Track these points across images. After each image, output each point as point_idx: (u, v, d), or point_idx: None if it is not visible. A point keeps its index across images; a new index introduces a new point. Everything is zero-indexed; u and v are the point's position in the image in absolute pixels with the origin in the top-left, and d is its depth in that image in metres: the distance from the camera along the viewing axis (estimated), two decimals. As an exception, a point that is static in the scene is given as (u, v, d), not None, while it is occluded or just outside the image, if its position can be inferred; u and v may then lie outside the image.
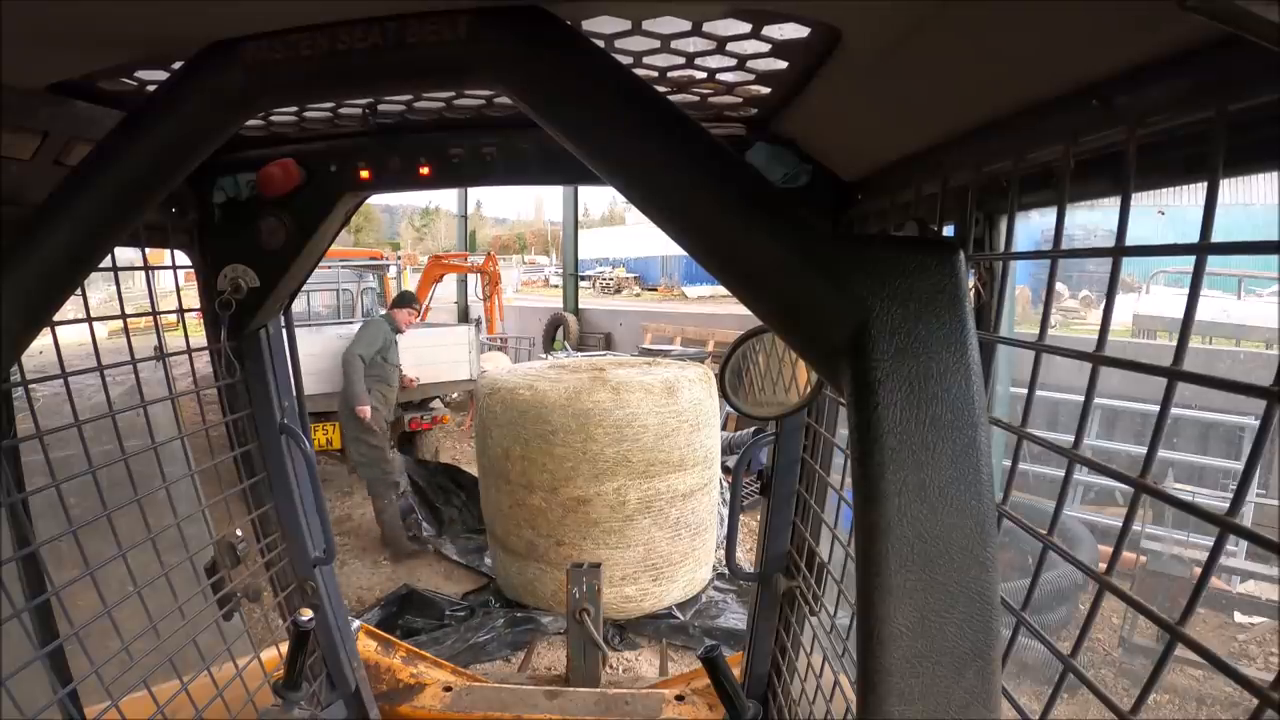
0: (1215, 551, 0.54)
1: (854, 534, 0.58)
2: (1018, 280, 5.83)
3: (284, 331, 1.60)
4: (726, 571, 4.39)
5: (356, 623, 2.18)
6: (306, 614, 1.63)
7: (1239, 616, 4.98)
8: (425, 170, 1.37)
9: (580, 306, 15.93)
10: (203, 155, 0.77)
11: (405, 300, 6.52)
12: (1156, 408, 0.57)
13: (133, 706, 1.22)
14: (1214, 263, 0.55)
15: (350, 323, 7.92)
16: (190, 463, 1.47)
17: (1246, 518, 4.69)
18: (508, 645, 4.65)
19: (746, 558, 5.15)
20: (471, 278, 14.99)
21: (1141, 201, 0.68)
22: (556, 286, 21.87)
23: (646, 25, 0.83)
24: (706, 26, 0.82)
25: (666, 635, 4.78)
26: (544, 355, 11.22)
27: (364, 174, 1.38)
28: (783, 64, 0.94)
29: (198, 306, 1.48)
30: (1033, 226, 0.98)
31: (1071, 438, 0.68)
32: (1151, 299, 8.29)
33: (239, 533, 1.51)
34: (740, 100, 1.16)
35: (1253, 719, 0.48)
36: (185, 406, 1.46)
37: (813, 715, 1.52)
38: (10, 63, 0.77)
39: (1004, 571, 0.62)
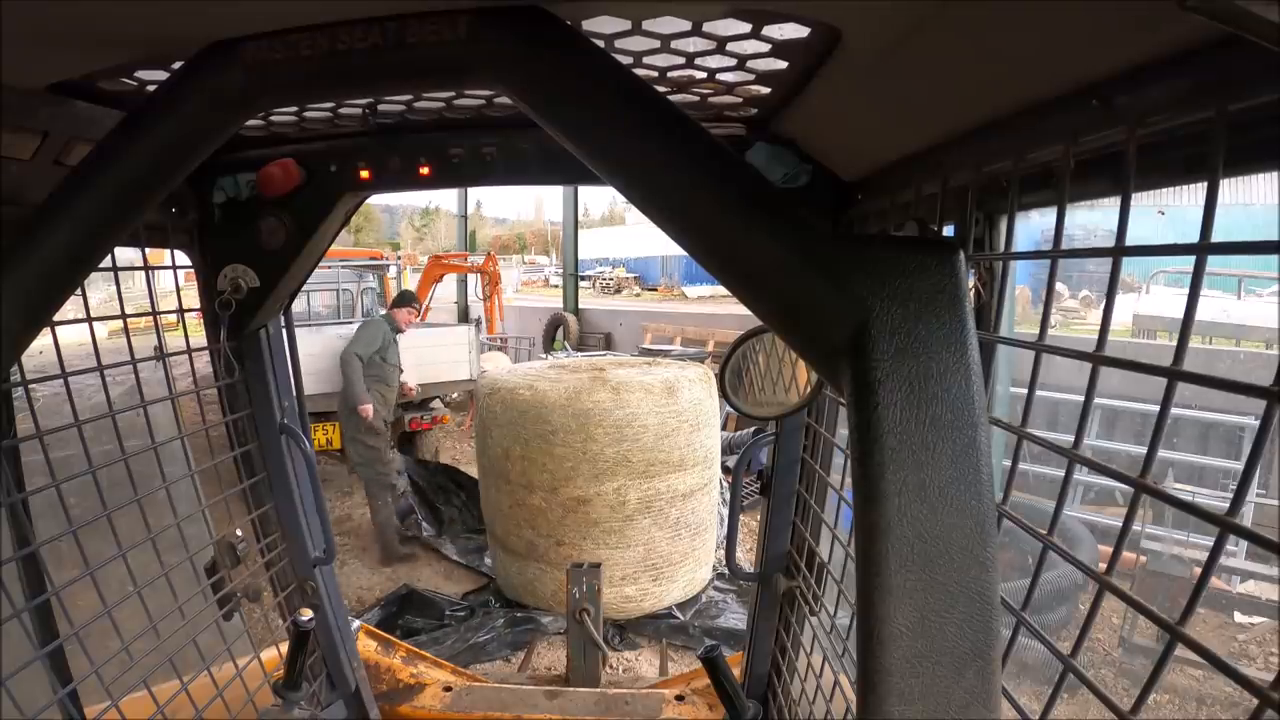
0: (1215, 551, 0.54)
1: (854, 534, 0.58)
2: (1018, 280, 5.83)
3: (284, 331, 1.60)
4: (726, 571, 4.39)
5: (356, 623, 2.18)
6: (306, 614, 1.63)
7: (1239, 616, 4.98)
8: (425, 170, 1.37)
9: (580, 306, 15.93)
10: (203, 155, 0.77)
11: (405, 300, 6.50)
12: (1156, 408, 0.57)
13: (133, 706, 1.22)
14: (1214, 263, 0.55)
15: (350, 323, 7.92)
16: (190, 463, 1.47)
17: (1246, 518, 4.69)
18: (508, 645, 4.65)
19: (746, 558, 5.15)
20: (471, 278, 14.99)
21: (1141, 201, 0.68)
22: (556, 286, 21.87)
23: (646, 25, 0.83)
24: (706, 26, 0.82)
25: (666, 635, 4.78)
26: (544, 355, 11.22)
27: (364, 174, 1.38)
28: (783, 64, 0.94)
29: (198, 306, 1.48)
30: (1033, 226, 0.98)
31: (1071, 438, 0.68)
32: (1151, 299, 8.29)
33: (239, 533, 1.51)
34: (740, 100, 1.16)
35: (1253, 719, 0.48)
36: (185, 406, 1.46)
37: (813, 715, 1.52)
38: (10, 63, 0.77)
39: (1004, 571, 0.62)
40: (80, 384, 1.17)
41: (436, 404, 8.53)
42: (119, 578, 1.20)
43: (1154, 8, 0.48)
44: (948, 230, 0.91)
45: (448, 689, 2.31)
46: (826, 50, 0.85)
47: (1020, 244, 0.81)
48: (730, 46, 0.88)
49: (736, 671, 1.81)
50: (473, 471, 6.34)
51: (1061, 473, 0.73)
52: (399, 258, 15.86)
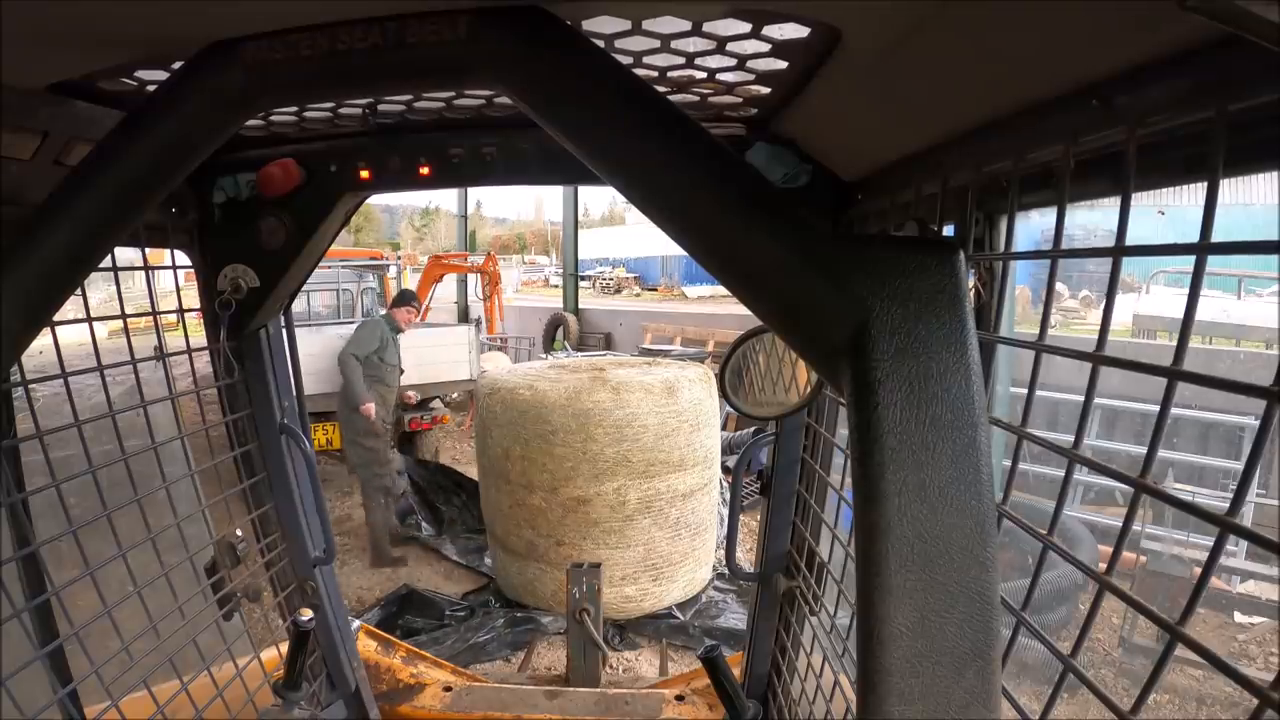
0: (1215, 551, 0.54)
1: (854, 534, 0.58)
2: (1018, 280, 5.83)
3: (284, 331, 1.60)
4: (726, 571, 4.39)
5: (356, 623, 2.17)
6: (306, 614, 1.63)
7: (1239, 616, 4.99)
8: (425, 170, 1.37)
9: (580, 306, 15.93)
10: (203, 155, 0.77)
11: (404, 299, 6.44)
12: (1156, 408, 0.57)
13: (133, 706, 1.22)
14: (1214, 263, 0.55)
15: (350, 322, 7.92)
16: (190, 463, 1.47)
17: (1246, 518, 4.69)
18: (508, 645, 4.65)
19: (746, 558, 5.15)
20: (471, 278, 14.99)
21: (1141, 201, 0.68)
22: (556, 286, 21.87)
23: (646, 25, 0.83)
24: (706, 26, 0.82)
25: (666, 635, 4.78)
26: (544, 355, 11.22)
27: (364, 174, 1.38)
28: (783, 64, 0.94)
29: (198, 306, 1.48)
30: (1033, 226, 0.98)
31: (1071, 438, 0.68)
32: (1151, 299, 8.29)
33: (239, 533, 1.51)
34: (740, 100, 1.16)
35: (1253, 719, 0.48)
36: (185, 406, 1.46)
37: (813, 715, 1.52)
38: (10, 63, 0.77)
39: (1004, 571, 0.62)
40: (80, 384, 1.16)
41: (436, 404, 8.53)
42: (119, 578, 1.20)
43: (1154, 8, 0.48)
44: (948, 230, 0.91)
45: (448, 689, 2.31)
46: (826, 50, 0.85)
47: (1020, 244, 0.81)
48: (730, 46, 0.88)
49: (736, 671, 1.81)
50: (472, 471, 6.33)
51: (1061, 473, 0.73)
52: (399, 258, 15.87)
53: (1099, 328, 0.65)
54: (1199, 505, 0.59)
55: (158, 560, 1.27)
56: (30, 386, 1.10)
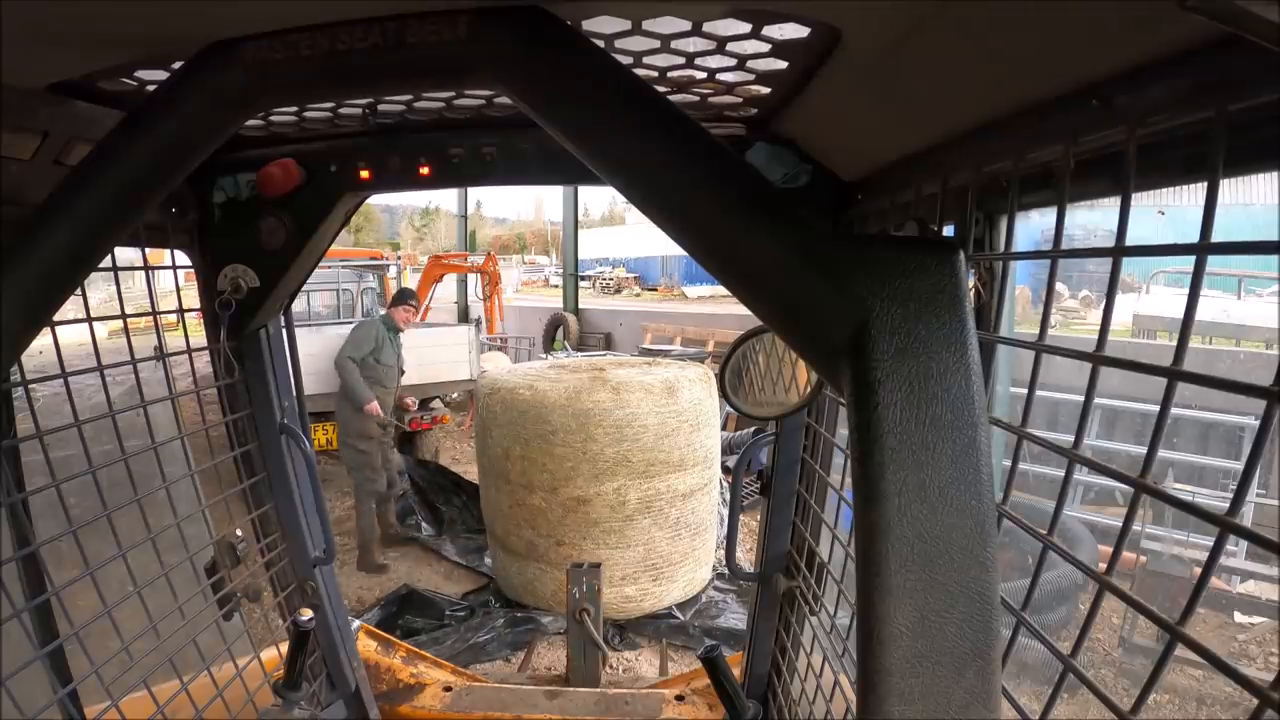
0: (1215, 551, 0.54)
1: (854, 534, 0.58)
2: (1018, 280, 5.83)
3: (284, 331, 1.60)
4: (726, 571, 4.39)
5: (356, 623, 2.18)
6: (306, 614, 1.63)
7: (1239, 616, 4.99)
8: (425, 170, 1.37)
9: (580, 306, 15.93)
10: (203, 155, 0.77)
11: (403, 297, 6.35)
12: (1156, 408, 0.57)
13: (133, 706, 1.22)
14: (1214, 263, 0.55)
15: (350, 323, 7.91)
16: (190, 463, 1.47)
17: (1246, 518, 4.69)
18: (508, 645, 4.65)
19: (746, 558, 5.15)
20: (471, 278, 14.99)
21: (1141, 201, 0.68)
22: (556, 286, 21.87)
23: (646, 25, 0.83)
24: (706, 26, 0.82)
25: (666, 635, 4.78)
26: (544, 355, 11.22)
27: (364, 174, 1.38)
28: (783, 64, 0.94)
29: (198, 306, 1.48)
30: (1033, 226, 0.98)
31: (1071, 438, 0.68)
32: (1151, 299, 8.29)
33: (239, 533, 1.51)
34: (740, 100, 1.16)
35: (1253, 719, 0.48)
36: (185, 406, 1.46)
37: (813, 715, 1.52)
38: (10, 63, 0.77)
39: (1004, 571, 0.62)
40: (80, 384, 1.16)
41: (436, 404, 8.53)
42: (119, 578, 1.20)
43: (1154, 8, 0.48)
44: (948, 230, 0.91)
45: (448, 689, 2.31)
46: (826, 50, 0.85)
47: (1020, 244, 0.81)
48: (730, 46, 0.88)
49: (736, 671, 1.81)
50: (473, 471, 6.32)
51: (1061, 473, 0.73)
52: (399, 258, 15.88)
53: (1099, 328, 0.65)
54: (1199, 505, 0.59)
55: (158, 560, 1.27)
56: (30, 386, 1.10)
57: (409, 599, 5.07)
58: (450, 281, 15.15)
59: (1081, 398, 0.66)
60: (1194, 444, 5.97)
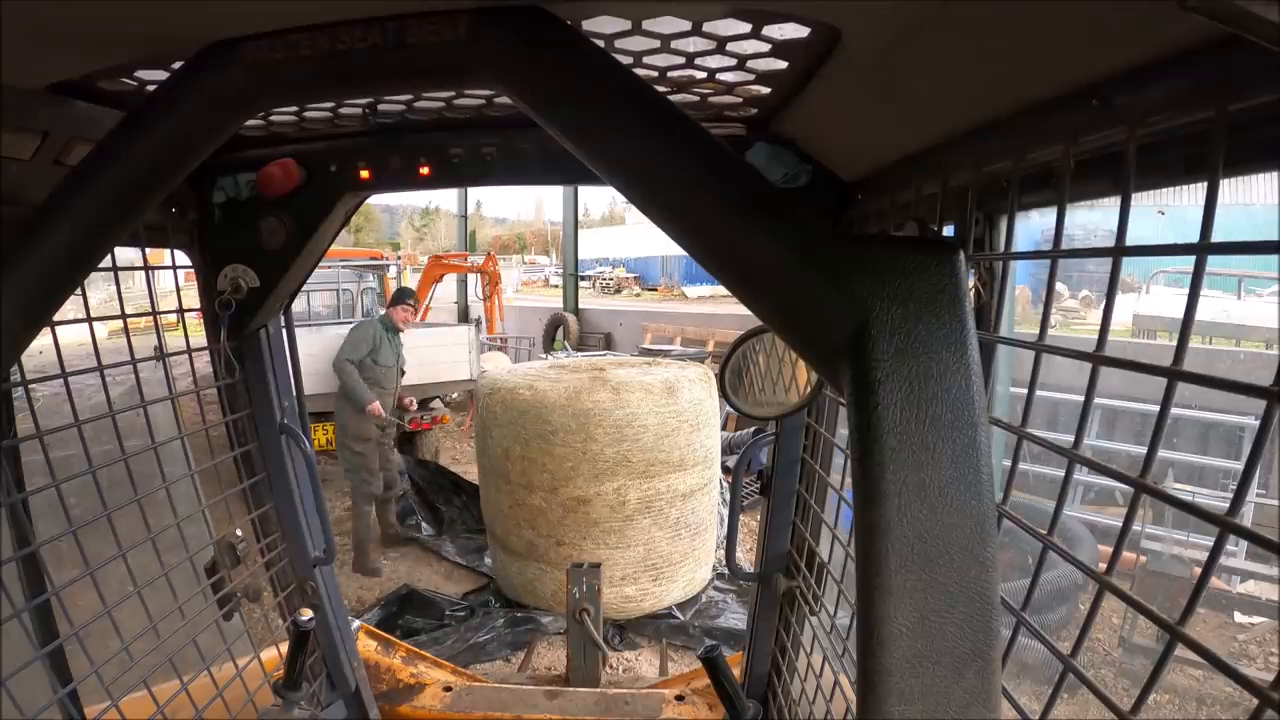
0: (1215, 551, 0.54)
1: (854, 534, 0.58)
2: (1018, 280, 5.83)
3: (284, 331, 1.60)
4: (726, 571, 4.39)
5: (356, 623, 2.18)
6: (306, 614, 1.63)
7: (1239, 616, 4.99)
8: (425, 170, 1.38)
9: (580, 306, 15.93)
10: (203, 155, 0.77)
11: (401, 297, 6.26)
12: (1156, 408, 0.57)
13: (133, 706, 1.22)
14: (1214, 263, 0.55)
15: (350, 322, 7.91)
16: (190, 463, 1.47)
17: (1246, 518, 4.69)
18: (508, 645, 4.65)
19: (746, 558, 5.15)
20: (471, 278, 15.00)
21: (1141, 201, 0.68)
22: (556, 286, 21.87)
23: (646, 25, 0.83)
24: (706, 26, 0.82)
25: (666, 635, 4.78)
26: (544, 355, 11.22)
27: (364, 174, 1.38)
28: (783, 64, 0.94)
29: (198, 306, 1.48)
30: (1033, 226, 0.98)
31: (1071, 438, 0.68)
32: (1151, 299, 8.29)
33: (239, 533, 1.51)
34: (740, 100, 1.16)
35: (1253, 719, 0.48)
36: (185, 406, 1.46)
37: (813, 715, 1.52)
38: (10, 63, 0.77)
39: (1004, 571, 0.62)
40: (80, 384, 1.16)
41: (436, 404, 8.52)
42: (119, 578, 1.20)
43: (1154, 8, 0.48)
44: (948, 230, 0.91)
45: (448, 689, 2.31)
46: (826, 50, 0.85)
47: (1020, 244, 0.81)
48: (730, 46, 0.88)
49: (736, 671, 1.81)
50: (472, 471, 6.31)
51: (1061, 473, 0.73)
52: (399, 258, 15.88)
53: (1099, 328, 0.65)
54: (1199, 505, 0.59)
55: (158, 560, 1.27)
56: (30, 386, 1.10)
57: (409, 599, 5.08)
58: (450, 281, 15.16)
59: (1081, 398, 0.66)
60: (1194, 444, 5.98)
